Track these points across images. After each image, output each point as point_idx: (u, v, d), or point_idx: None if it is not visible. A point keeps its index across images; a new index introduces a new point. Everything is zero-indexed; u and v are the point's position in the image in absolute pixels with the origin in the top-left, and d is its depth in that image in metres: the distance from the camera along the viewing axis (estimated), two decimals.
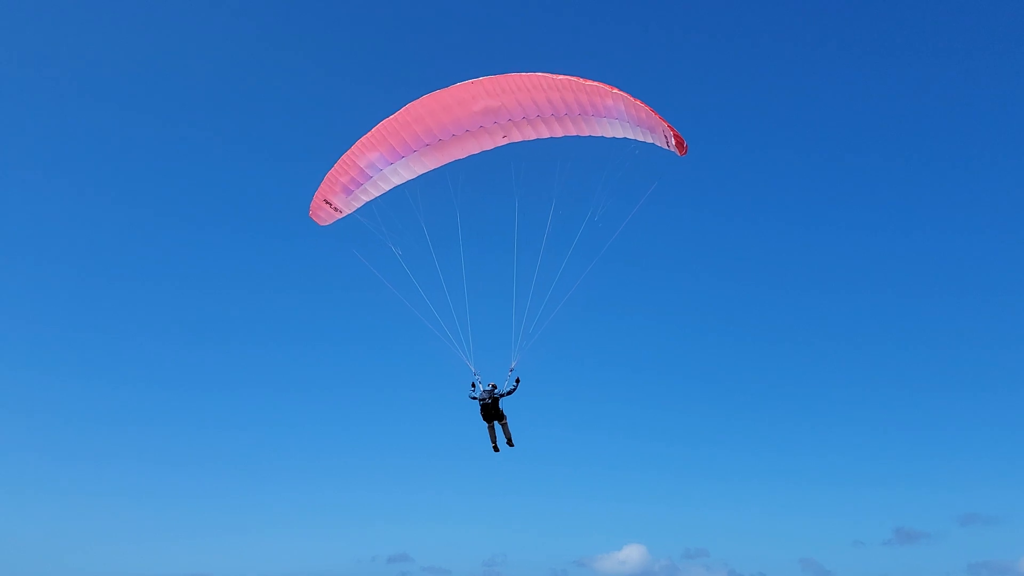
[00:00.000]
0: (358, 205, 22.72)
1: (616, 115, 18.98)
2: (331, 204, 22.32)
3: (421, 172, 22.35)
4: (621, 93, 18.28)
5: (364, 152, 21.69)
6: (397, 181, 22.47)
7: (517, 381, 20.24)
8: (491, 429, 20.57)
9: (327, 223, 22.78)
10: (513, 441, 20.54)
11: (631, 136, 19.32)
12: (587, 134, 20.22)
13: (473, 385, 20.60)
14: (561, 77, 18.96)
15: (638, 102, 18.20)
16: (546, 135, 20.99)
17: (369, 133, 21.45)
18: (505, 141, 21.52)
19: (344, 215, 22.75)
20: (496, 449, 20.59)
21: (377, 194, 22.72)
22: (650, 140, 18.98)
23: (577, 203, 19.83)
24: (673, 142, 18.15)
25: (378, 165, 21.98)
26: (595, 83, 18.54)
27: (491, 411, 20.15)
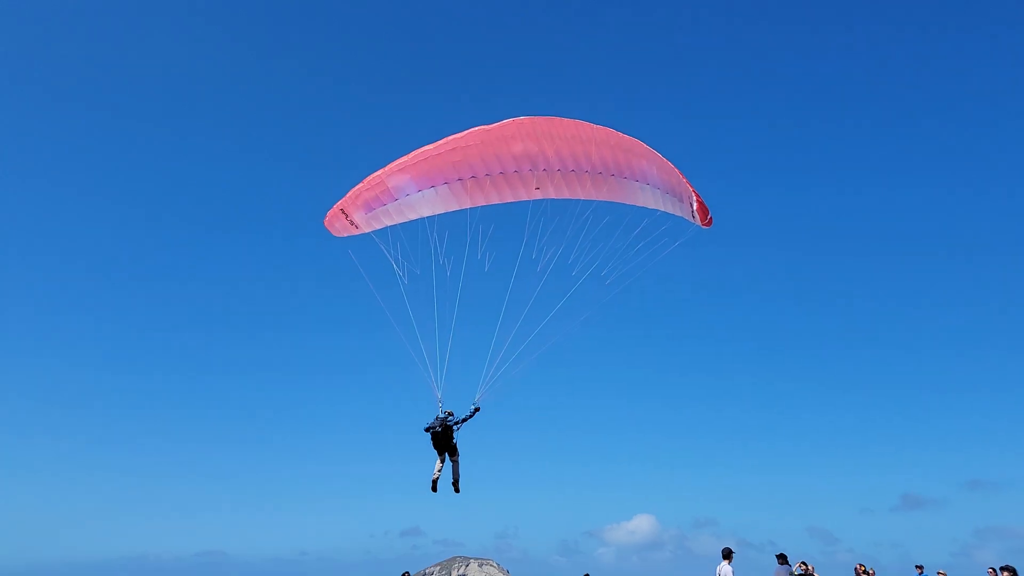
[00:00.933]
0: (377, 226, 22.18)
1: (649, 180, 18.47)
2: (348, 216, 21.80)
3: (447, 209, 21.86)
4: (655, 154, 17.82)
5: (395, 173, 21.35)
6: (422, 212, 21.95)
7: (476, 410, 18.91)
8: (440, 462, 18.69)
9: (341, 235, 22.21)
10: (460, 486, 18.66)
11: (659, 207, 18.72)
12: (617, 200, 19.68)
13: (437, 417, 19.17)
14: (599, 128, 18.65)
15: (669, 165, 17.69)
16: (579, 196, 20.47)
17: (404, 157, 21.18)
18: (538, 195, 21.03)
19: (359, 232, 22.18)
20: (434, 489, 18.56)
21: (399, 220, 22.19)
22: (677, 212, 18.33)
23: (586, 256, 19.00)
24: (697, 215, 17.44)
25: (406, 190, 21.57)
26: (631, 139, 18.18)
27: (442, 441, 18.47)
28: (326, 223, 22.01)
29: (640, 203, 19.15)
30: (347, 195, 21.68)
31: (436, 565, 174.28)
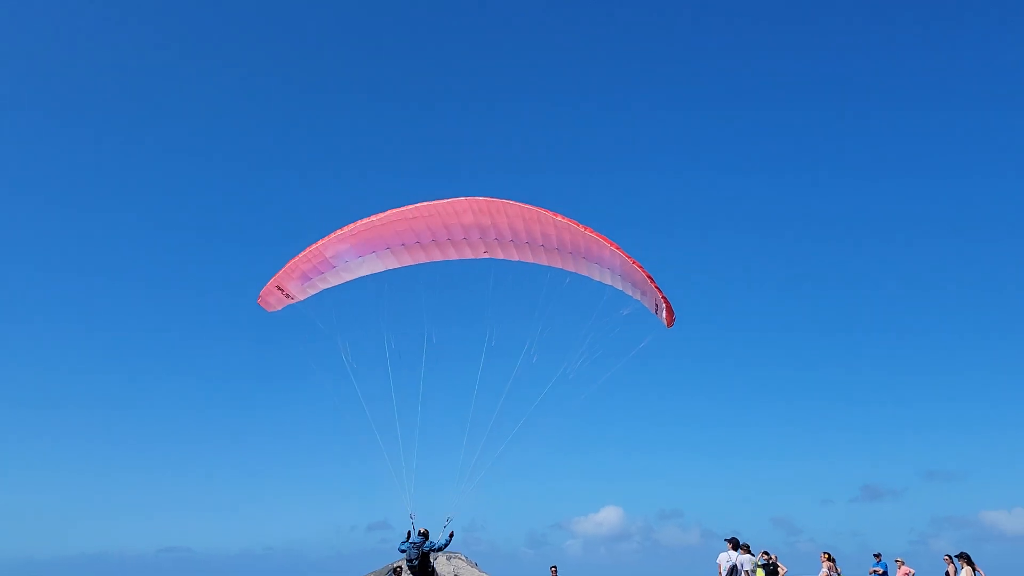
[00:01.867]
0: (313, 292, 21.05)
1: (609, 266, 18.98)
2: (284, 290, 20.47)
3: (391, 267, 21.16)
4: (620, 250, 18.25)
5: (333, 243, 20.17)
6: (360, 273, 21.10)
7: (451, 536, 18.41)
8: None
9: (275, 309, 20.86)
10: None
11: (620, 288, 19.38)
12: (575, 271, 20.02)
13: (408, 534, 18.73)
14: (560, 218, 18.60)
15: (636, 264, 18.27)
16: (529, 259, 20.61)
17: (346, 227, 19.97)
18: (485, 255, 20.90)
19: (296, 301, 20.97)
20: None
21: (336, 283, 21.18)
22: (638, 298, 19.15)
23: (553, 356, 19.38)
24: (664, 312, 18.35)
25: (345, 256, 20.53)
26: (595, 233, 18.38)
27: (417, 567, 18.05)
28: (260, 301, 20.49)
29: (597, 278, 19.69)
30: (281, 270, 20.22)
31: (403, 559, 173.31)
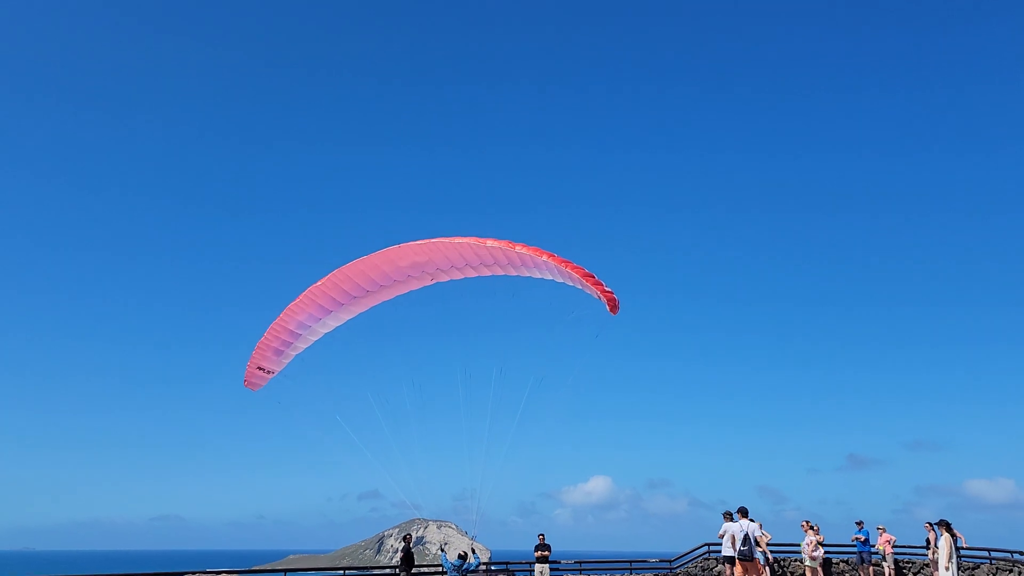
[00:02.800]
0: (287, 361, 22.67)
1: (548, 270, 20.65)
2: (264, 369, 22.08)
3: (348, 318, 22.76)
4: (552, 259, 19.80)
5: (294, 316, 21.67)
6: (325, 331, 22.71)
7: (485, 568, 20.89)
8: None
9: (260, 387, 22.52)
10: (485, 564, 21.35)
11: (560, 280, 21.06)
12: (515, 275, 21.68)
13: (442, 549, 21.36)
14: (491, 243, 20.09)
15: (570, 266, 19.87)
16: (473, 275, 22.22)
17: (298, 299, 21.44)
18: (432, 282, 22.49)
19: (275, 374, 22.60)
20: None
21: (305, 347, 22.79)
22: (579, 287, 20.86)
23: (519, 371, 21.02)
24: (603, 297, 20.07)
25: (307, 323, 22.07)
26: (526, 249, 19.91)
27: None
28: (247, 384, 22.11)
29: (536, 276, 21.32)
30: (255, 352, 21.78)
31: (395, 528, 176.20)
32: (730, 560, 23.72)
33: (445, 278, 22.36)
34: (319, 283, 21.32)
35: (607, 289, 19.69)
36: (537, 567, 27.60)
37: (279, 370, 22.64)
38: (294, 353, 22.68)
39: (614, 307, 19.89)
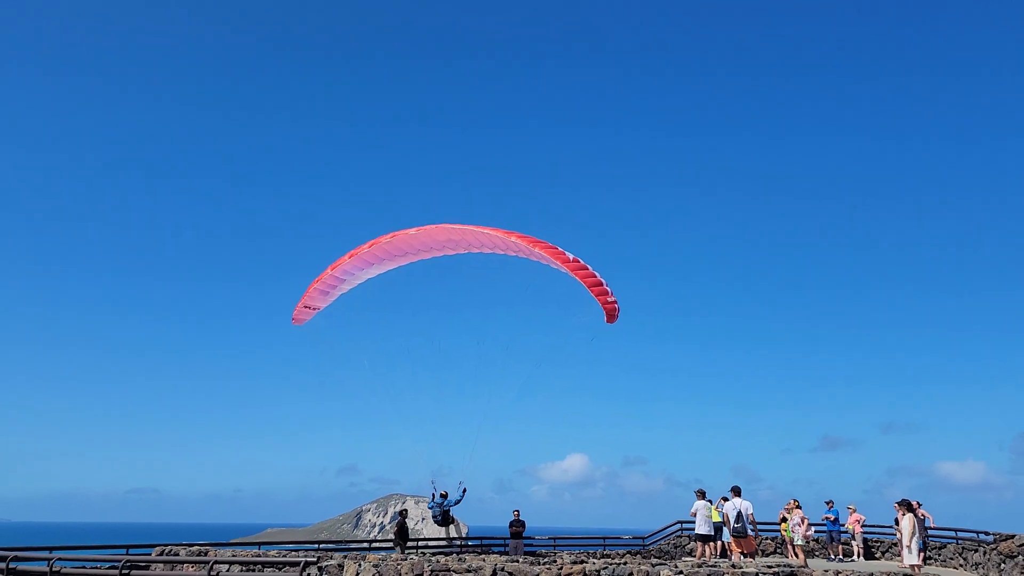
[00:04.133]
0: (331, 300, 26.42)
1: (560, 268, 23.85)
2: (309, 307, 25.84)
3: (383, 271, 26.31)
4: (568, 265, 22.84)
5: (338, 267, 25.18)
6: (364, 279, 26.31)
7: (463, 491, 24.23)
8: (446, 530, 24.73)
9: (305, 321, 26.37)
10: (461, 535, 25.23)
11: (572, 275, 24.30)
12: (533, 259, 24.92)
13: (433, 496, 24.54)
14: (515, 238, 23.06)
15: (582, 272, 22.96)
16: (488, 252, 25.50)
17: (345, 256, 24.88)
18: (454, 253, 25.82)
19: (320, 310, 26.40)
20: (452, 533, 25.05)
21: (348, 289, 26.47)
22: (587, 287, 24.10)
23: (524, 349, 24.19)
24: (605, 312, 23.20)
25: (351, 271, 25.60)
26: (546, 250, 22.94)
27: (444, 520, 24.51)
28: (294, 321, 25.95)
29: (554, 267, 24.51)
30: (304, 295, 25.48)
31: (373, 502, 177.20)
32: (702, 538, 24.89)
33: (463, 251, 25.66)
34: (365, 246, 24.63)
35: (611, 300, 22.96)
36: (511, 543, 28.03)
37: (323, 307, 26.42)
38: (336, 294, 26.38)
39: (612, 318, 23.20)
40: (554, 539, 32.92)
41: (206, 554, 19.79)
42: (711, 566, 15.06)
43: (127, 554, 20.71)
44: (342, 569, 15.11)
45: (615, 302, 23.21)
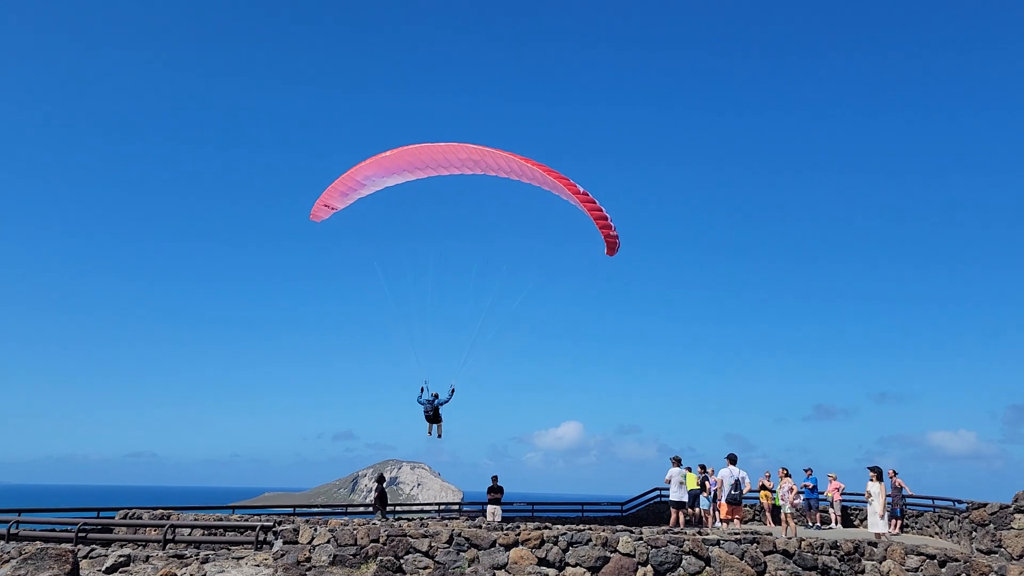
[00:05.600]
0: (350, 203, 27.57)
1: (567, 197, 24.86)
2: (329, 206, 27.02)
3: (404, 181, 27.40)
4: (578, 195, 23.89)
5: (361, 169, 26.24)
6: (384, 185, 27.41)
7: (452, 391, 25.37)
8: (430, 425, 25.55)
9: (323, 219, 27.58)
10: (441, 434, 25.51)
11: (578, 206, 25.34)
12: (539, 186, 25.94)
13: (422, 389, 25.53)
14: (534, 165, 24.12)
15: (589, 204, 24.02)
16: (508, 176, 26.51)
17: (368, 160, 25.90)
18: (471, 173, 26.83)
19: (337, 210, 27.60)
20: (434, 434, 25.76)
21: (366, 194, 27.60)
22: (592, 218, 25.15)
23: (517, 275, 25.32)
24: (607, 244, 24.28)
25: (373, 178, 26.69)
26: (560, 179, 23.97)
27: (433, 417, 25.55)
28: (312, 217, 27.17)
29: (563, 197, 25.54)
30: (325, 192, 26.59)
31: (368, 468, 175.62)
32: (676, 504, 25.14)
33: (480, 172, 26.67)
34: (389, 153, 25.68)
35: (613, 233, 24.02)
36: (489, 508, 27.93)
37: (341, 207, 27.62)
38: (355, 197, 27.53)
39: (612, 250, 24.29)
40: (532, 505, 33.18)
41: (168, 518, 20.60)
42: (674, 533, 15.51)
43: (98, 517, 21.71)
44: (298, 534, 15.23)
45: (616, 236, 24.25)
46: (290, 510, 28.51)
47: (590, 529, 15.29)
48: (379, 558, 14.66)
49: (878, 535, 21.13)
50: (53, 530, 18.95)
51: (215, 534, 18.85)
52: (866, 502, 29.84)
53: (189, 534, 19.34)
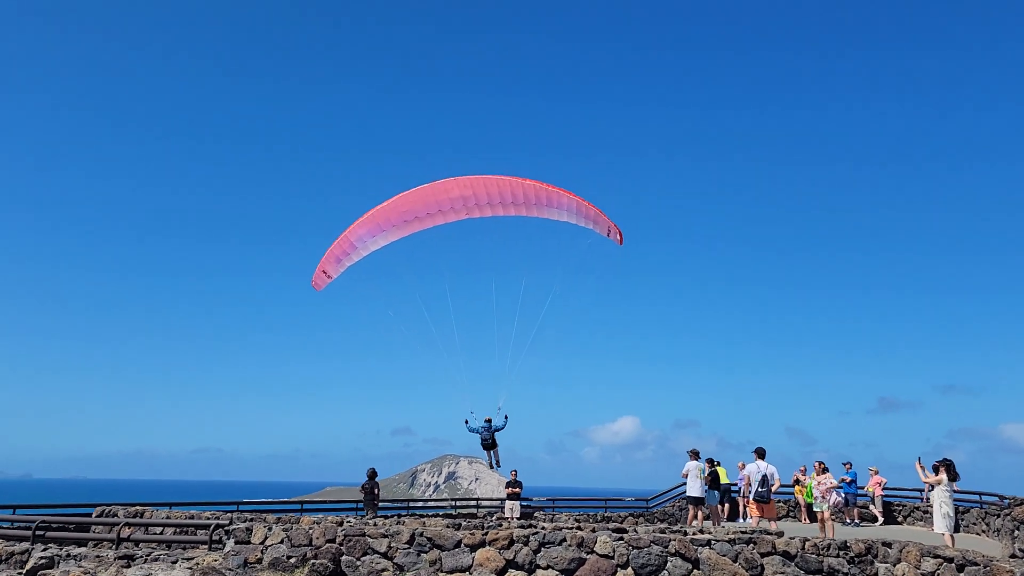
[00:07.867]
0: (343, 269, 27.20)
1: (566, 208, 25.74)
2: (327, 273, 26.55)
3: (396, 239, 27.43)
4: (575, 197, 24.96)
5: (355, 229, 26.19)
6: (376, 247, 27.32)
7: (506, 418, 24.68)
8: (489, 455, 25.00)
9: (321, 288, 26.99)
10: (500, 463, 25.08)
11: (575, 222, 26.21)
12: (539, 216, 26.71)
13: (467, 421, 24.90)
14: (527, 181, 25.08)
15: (589, 204, 25.06)
16: (501, 214, 27.16)
17: (361, 217, 25.97)
18: (467, 216, 27.31)
19: (333, 279, 27.10)
20: (494, 462, 25.50)
21: (358, 259, 27.36)
22: (591, 227, 26.03)
23: (540, 287, 25.65)
24: (615, 234, 25.30)
25: (365, 238, 26.61)
26: (555, 187, 25.00)
27: (489, 444, 24.88)
28: (312, 284, 26.57)
29: (556, 219, 26.36)
30: (323, 258, 26.25)
31: (427, 463, 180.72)
32: (693, 501, 24.12)
33: (478, 214, 27.24)
34: (380, 205, 25.90)
35: (614, 224, 24.98)
36: (508, 504, 27.41)
37: (336, 276, 27.16)
38: (348, 263, 27.21)
39: (620, 238, 25.15)
40: (553, 500, 32.13)
41: (143, 515, 20.32)
42: (660, 532, 14.40)
43: (70, 516, 21.32)
44: (250, 533, 14.80)
45: (618, 227, 25.22)
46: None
47: (566, 528, 14.42)
48: (312, 562, 13.67)
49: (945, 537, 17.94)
50: (12, 526, 18.28)
51: (185, 532, 17.58)
52: (917, 498, 29.05)
53: (160, 532, 18.20)
